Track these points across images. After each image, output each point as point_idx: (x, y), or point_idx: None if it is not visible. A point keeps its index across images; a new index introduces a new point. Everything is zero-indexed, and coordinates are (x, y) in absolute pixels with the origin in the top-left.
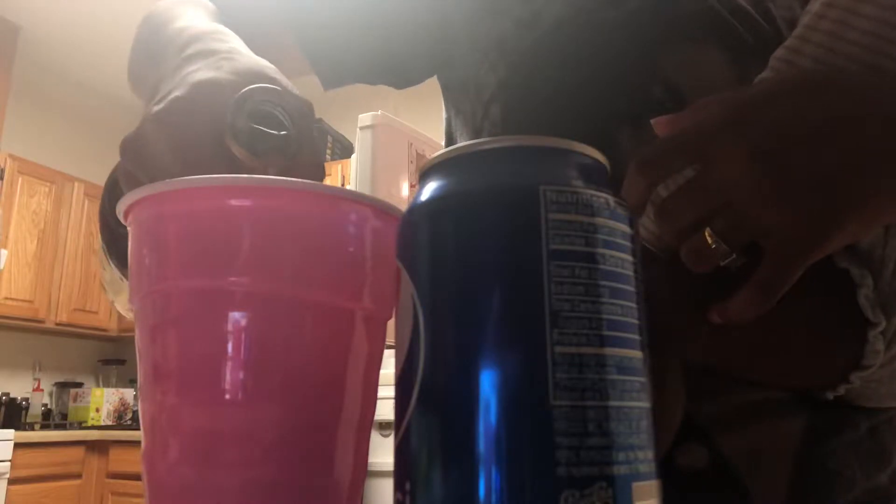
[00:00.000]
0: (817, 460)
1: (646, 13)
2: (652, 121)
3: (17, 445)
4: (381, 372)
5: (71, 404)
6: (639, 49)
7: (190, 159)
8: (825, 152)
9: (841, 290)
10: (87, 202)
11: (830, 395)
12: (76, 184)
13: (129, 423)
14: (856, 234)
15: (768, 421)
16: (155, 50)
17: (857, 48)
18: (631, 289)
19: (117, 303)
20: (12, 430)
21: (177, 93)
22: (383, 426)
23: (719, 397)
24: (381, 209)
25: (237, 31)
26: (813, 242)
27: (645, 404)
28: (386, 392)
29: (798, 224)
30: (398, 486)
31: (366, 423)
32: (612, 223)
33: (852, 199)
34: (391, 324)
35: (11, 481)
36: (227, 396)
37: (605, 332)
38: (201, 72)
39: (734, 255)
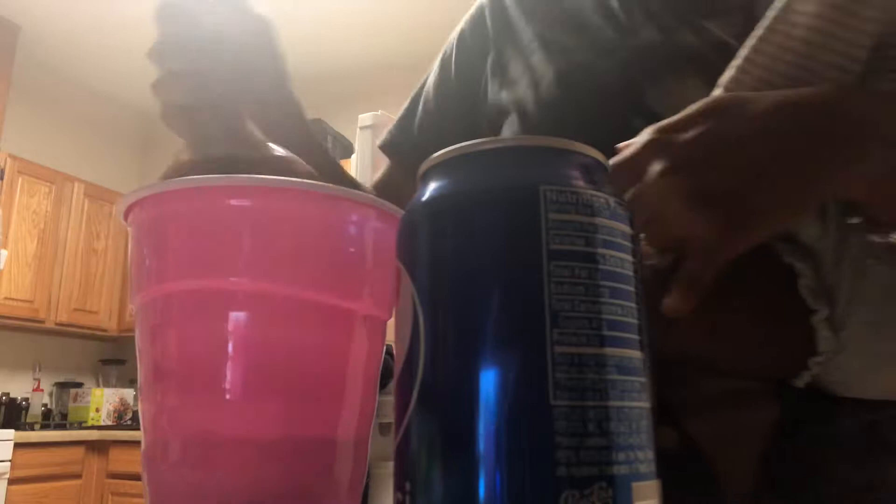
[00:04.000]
0: (790, 450)
1: (636, 59)
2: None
3: (17, 445)
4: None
5: (71, 404)
6: (629, 90)
7: None
8: (732, 167)
9: (787, 283)
10: (87, 202)
11: (800, 384)
12: (76, 184)
13: (129, 423)
14: (761, 236)
15: (738, 409)
16: None
17: (792, 69)
18: (631, 289)
19: None
20: (12, 430)
21: None
22: (383, 427)
23: (691, 386)
24: (382, 209)
25: None
26: (723, 245)
27: (645, 404)
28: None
29: (710, 230)
30: (398, 486)
31: (366, 422)
32: (612, 223)
33: (757, 207)
34: (391, 324)
35: (11, 481)
36: (227, 396)
37: (605, 332)
38: None
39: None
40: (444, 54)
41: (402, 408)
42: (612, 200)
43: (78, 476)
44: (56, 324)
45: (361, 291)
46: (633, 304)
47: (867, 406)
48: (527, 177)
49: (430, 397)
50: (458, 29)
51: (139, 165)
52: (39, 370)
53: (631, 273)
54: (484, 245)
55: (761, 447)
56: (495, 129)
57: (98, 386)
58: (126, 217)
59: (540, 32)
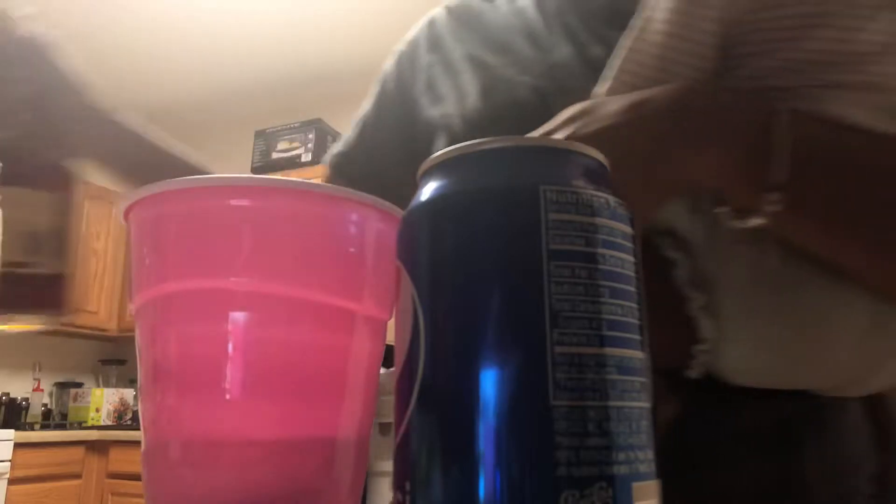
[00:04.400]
0: (683, 443)
1: (551, 73)
2: None
3: (17, 445)
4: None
5: (71, 404)
6: (543, 103)
7: None
8: None
9: (667, 275)
10: (86, 202)
11: (694, 374)
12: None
13: (129, 423)
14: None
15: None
16: None
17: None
18: (631, 289)
19: None
20: (12, 430)
21: None
22: (383, 427)
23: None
24: (382, 209)
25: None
26: None
27: (645, 404)
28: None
29: None
30: (398, 486)
31: (366, 423)
32: (612, 223)
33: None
34: (391, 324)
35: (11, 481)
36: (227, 396)
37: (605, 332)
38: None
39: None
40: (384, 74)
41: (402, 408)
42: (612, 200)
43: (78, 476)
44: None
45: (362, 291)
46: (634, 304)
47: (776, 400)
48: (527, 177)
49: (430, 397)
50: (397, 49)
51: None
52: (39, 370)
53: (631, 273)
54: (484, 245)
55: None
56: (429, 147)
57: (98, 386)
58: (126, 217)
59: (468, 53)
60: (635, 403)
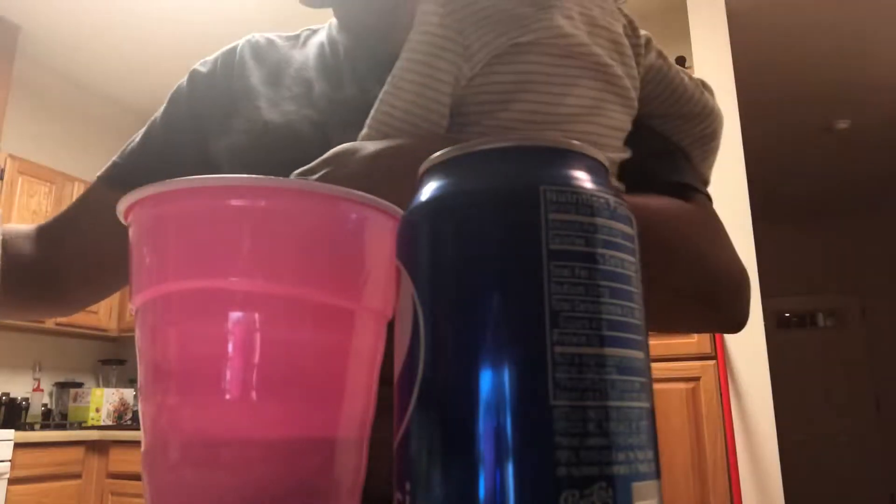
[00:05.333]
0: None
1: (334, 109)
2: None
3: (17, 445)
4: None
5: (71, 404)
6: (322, 137)
7: None
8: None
9: None
10: None
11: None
12: (76, 184)
13: (129, 423)
14: None
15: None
16: None
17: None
18: (631, 289)
19: None
20: (12, 430)
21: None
22: None
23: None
24: (382, 209)
25: None
26: None
27: (645, 404)
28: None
29: None
30: (398, 486)
31: (366, 422)
32: (612, 223)
33: None
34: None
35: (11, 481)
36: (227, 396)
37: (605, 332)
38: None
39: None
40: (178, 91)
41: (402, 408)
42: (612, 200)
43: (78, 476)
44: (56, 324)
45: (362, 291)
46: (634, 304)
47: None
48: (527, 177)
49: (430, 397)
50: (194, 68)
51: None
52: (39, 370)
53: (631, 273)
54: (484, 245)
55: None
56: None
57: (98, 386)
58: (126, 217)
59: (254, 84)
60: (635, 403)
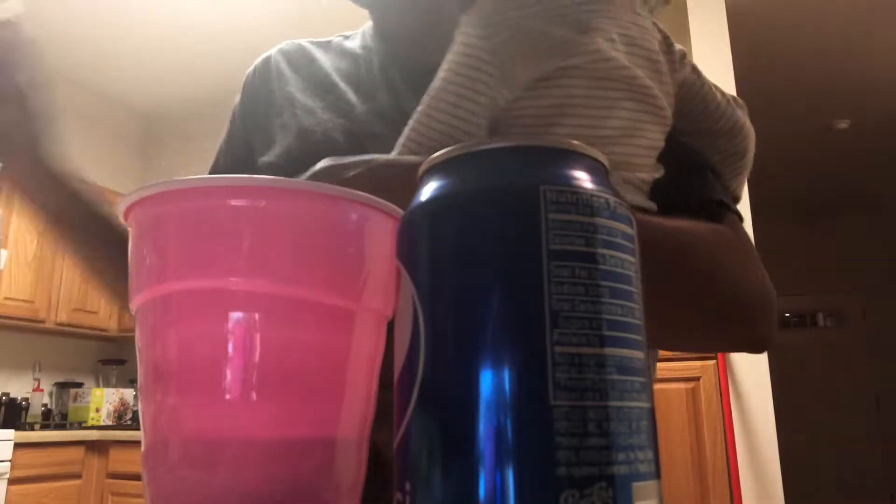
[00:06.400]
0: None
1: (366, 119)
2: None
3: (17, 445)
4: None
5: (71, 404)
6: (355, 146)
7: None
8: None
9: None
10: None
11: None
12: None
13: (129, 423)
14: None
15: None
16: None
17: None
18: (631, 289)
19: None
20: (12, 430)
21: None
22: None
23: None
24: (382, 209)
25: None
26: None
27: (645, 404)
28: None
29: None
30: (398, 487)
31: (366, 422)
32: (612, 223)
33: None
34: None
35: (11, 481)
36: (227, 396)
37: (605, 332)
38: None
39: None
40: (233, 111)
41: (402, 408)
42: (612, 200)
43: (78, 476)
44: (56, 324)
45: (362, 291)
46: (634, 304)
47: None
48: (527, 177)
49: (431, 397)
50: (242, 87)
51: (139, 165)
52: (39, 370)
53: (631, 273)
54: (484, 245)
55: None
56: None
57: (98, 386)
58: (126, 217)
59: (290, 95)
60: (635, 403)
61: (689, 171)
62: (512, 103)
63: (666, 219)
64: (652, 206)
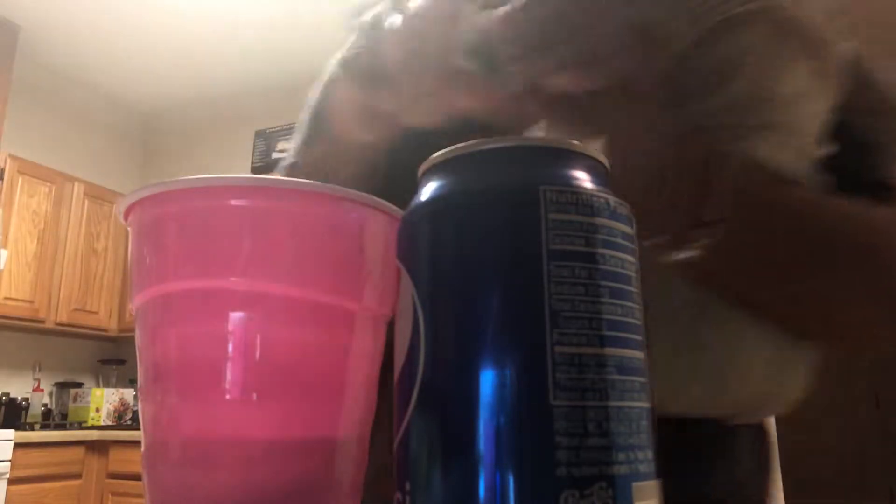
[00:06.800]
0: None
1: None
2: None
3: (17, 445)
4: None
5: (71, 404)
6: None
7: None
8: None
9: None
10: (87, 202)
11: None
12: (76, 184)
13: (129, 423)
14: None
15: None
16: None
17: None
18: (631, 289)
19: None
20: (12, 430)
21: None
22: None
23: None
24: (382, 209)
25: None
26: None
27: (645, 404)
28: None
29: None
30: (398, 487)
31: (366, 423)
32: (612, 223)
33: None
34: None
35: (11, 481)
36: (227, 396)
37: (605, 332)
38: None
39: None
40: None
41: (402, 408)
42: (612, 200)
43: (78, 476)
44: (56, 324)
45: (362, 291)
46: (634, 304)
47: (685, 426)
48: (527, 177)
49: (430, 397)
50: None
51: (139, 165)
52: (39, 370)
53: (631, 273)
54: (484, 245)
55: None
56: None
57: (98, 386)
58: (126, 217)
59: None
60: (635, 403)
61: (861, 150)
62: (696, 48)
63: (853, 206)
64: (829, 181)
